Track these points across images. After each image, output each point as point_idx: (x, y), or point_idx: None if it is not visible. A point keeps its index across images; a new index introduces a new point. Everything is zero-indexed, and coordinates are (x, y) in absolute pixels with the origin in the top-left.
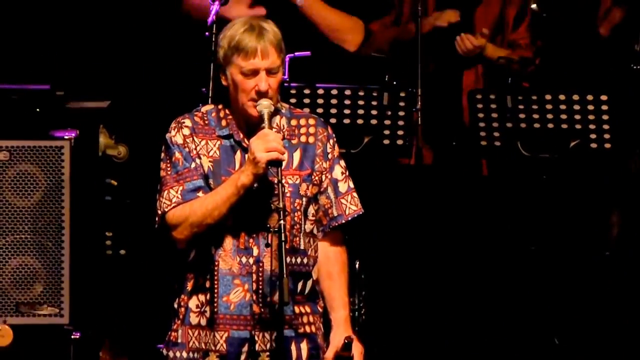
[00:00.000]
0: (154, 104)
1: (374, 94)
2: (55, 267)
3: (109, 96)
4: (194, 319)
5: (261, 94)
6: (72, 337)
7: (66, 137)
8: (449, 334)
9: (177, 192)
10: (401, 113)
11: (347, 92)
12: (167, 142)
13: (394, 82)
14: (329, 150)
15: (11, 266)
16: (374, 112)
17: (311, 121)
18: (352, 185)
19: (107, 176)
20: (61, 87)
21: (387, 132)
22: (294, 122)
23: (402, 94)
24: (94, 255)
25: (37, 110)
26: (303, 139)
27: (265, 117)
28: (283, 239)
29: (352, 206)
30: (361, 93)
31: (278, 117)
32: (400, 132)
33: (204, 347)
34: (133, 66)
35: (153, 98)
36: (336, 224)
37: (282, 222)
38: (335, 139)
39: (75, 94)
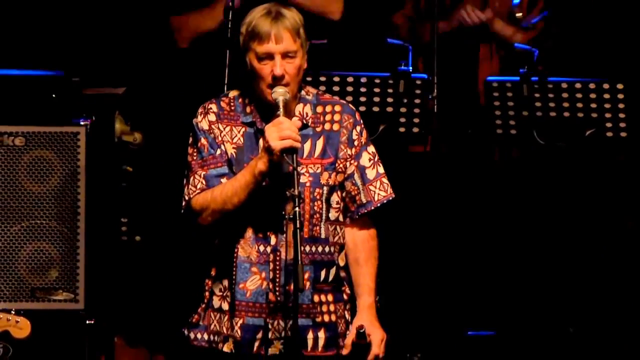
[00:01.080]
0: (168, 91)
1: (390, 82)
2: (71, 252)
3: (125, 83)
4: (216, 302)
5: (277, 79)
6: (87, 322)
7: (82, 124)
8: (462, 321)
9: (201, 178)
10: (417, 101)
11: (363, 80)
12: (193, 128)
13: (410, 70)
14: (354, 137)
15: (27, 252)
16: (389, 99)
17: (337, 107)
18: (381, 171)
19: (123, 162)
20: (77, 74)
21: (402, 119)
22: (319, 109)
23: (418, 82)
24: (109, 241)
25: (53, 96)
26: (327, 126)
27: (280, 104)
28: (298, 226)
29: (381, 192)
30: (377, 81)
31: (302, 104)
32: (415, 120)
33: (224, 331)
34: (148, 53)
35: (168, 85)
36: (365, 211)
37: (297, 209)
38: (362, 126)
39: (91, 81)
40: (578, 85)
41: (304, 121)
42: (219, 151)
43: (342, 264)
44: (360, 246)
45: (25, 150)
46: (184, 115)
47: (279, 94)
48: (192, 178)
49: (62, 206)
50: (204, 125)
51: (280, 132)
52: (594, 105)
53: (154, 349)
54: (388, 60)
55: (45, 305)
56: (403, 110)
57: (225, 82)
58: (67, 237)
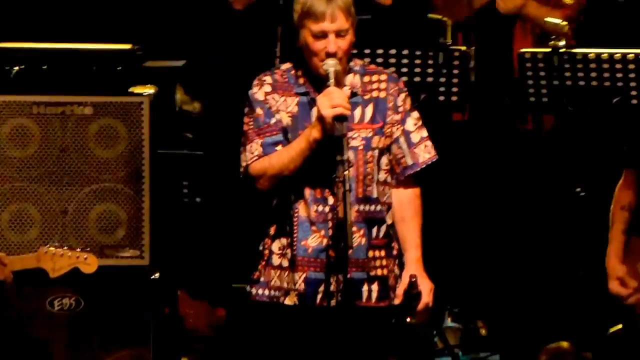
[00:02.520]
0: (226, 63)
1: (430, 54)
2: (136, 213)
3: (185, 56)
4: (276, 260)
5: (330, 56)
6: (152, 277)
7: (145, 94)
8: (489, 283)
9: (258, 146)
10: (455, 71)
11: (405, 52)
12: (249, 98)
13: (449, 43)
14: (399, 103)
15: (96, 212)
16: (429, 70)
17: (383, 77)
18: (425, 135)
19: (183, 130)
20: (141, 47)
21: (442, 89)
22: (366, 79)
23: (456, 54)
24: (171, 203)
25: (119, 68)
26: (375, 94)
27: (331, 75)
28: (347, 188)
29: (425, 154)
30: (418, 53)
31: (351, 75)
32: (454, 89)
33: (285, 286)
34: (207, 28)
35: (225, 58)
36: (411, 172)
37: (345, 173)
38: (407, 92)
39: (153, 54)
40: (605, 56)
41: (353, 90)
42: (274, 120)
43: (389, 222)
44: (407, 205)
45: (93, 119)
46: (239, 85)
47: (330, 65)
48: (249, 145)
49: (127, 170)
50: (260, 96)
51: (331, 101)
52: (619, 75)
53: (214, 303)
54: (429, 34)
55: (113, 261)
56: (442, 80)
57: (278, 55)
58: (132, 199)
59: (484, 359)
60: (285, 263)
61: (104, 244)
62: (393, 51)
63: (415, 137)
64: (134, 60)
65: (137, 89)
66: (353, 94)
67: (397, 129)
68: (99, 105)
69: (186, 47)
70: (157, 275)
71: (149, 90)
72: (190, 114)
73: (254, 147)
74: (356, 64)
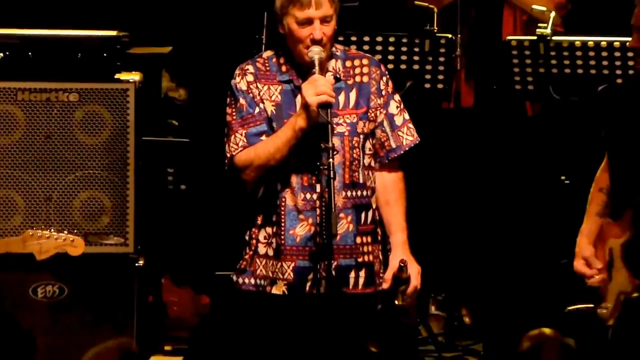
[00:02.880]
0: (212, 50)
1: (416, 41)
2: (121, 200)
3: (171, 42)
4: (262, 249)
5: (315, 42)
6: (136, 265)
7: (131, 80)
8: (473, 272)
9: (242, 136)
10: (441, 59)
11: (391, 39)
12: (232, 88)
13: (435, 30)
14: (382, 87)
15: (80, 199)
16: (415, 57)
17: (365, 61)
18: (407, 117)
19: (169, 117)
20: (126, 34)
21: (428, 76)
22: (348, 64)
23: (443, 41)
24: (156, 190)
25: (105, 55)
26: (358, 78)
27: (316, 62)
28: (332, 175)
29: (408, 137)
30: (404, 40)
31: (333, 60)
32: (440, 77)
33: (271, 275)
34: (193, 14)
35: (211, 44)
36: (395, 155)
37: (330, 160)
38: (388, 76)
39: (139, 40)
40: (591, 44)
41: (336, 75)
42: (257, 110)
43: (374, 206)
44: (390, 188)
45: (78, 106)
46: (225, 73)
47: (315, 52)
48: (232, 137)
49: (112, 157)
50: (242, 85)
51: (315, 89)
52: (605, 63)
53: (198, 290)
54: (415, 21)
55: (97, 249)
56: (428, 67)
57: (264, 42)
58: (117, 186)
59: (468, 347)
60: (271, 252)
61: (88, 231)
62: (380, 38)
63: (398, 120)
64: (119, 47)
65: (123, 76)
66: (336, 79)
67: (381, 112)
68: (84, 92)
69: (172, 33)
70: (141, 262)
71: (134, 77)
72: (176, 101)
73: (238, 138)
74: (337, 49)
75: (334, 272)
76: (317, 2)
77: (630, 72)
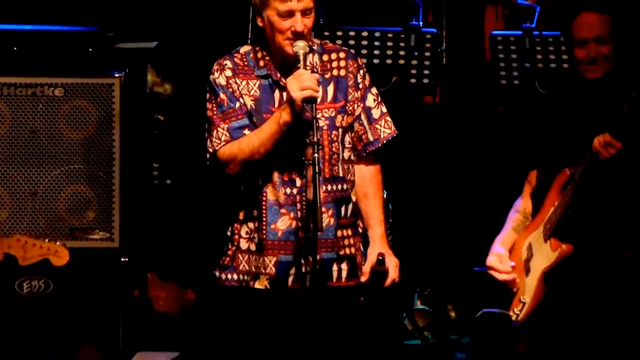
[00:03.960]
0: (197, 45)
1: (402, 36)
2: (107, 195)
3: (156, 37)
4: (244, 244)
5: (297, 34)
6: (122, 260)
7: (116, 75)
8: (470, 257)
9: (225, 131)
10: (427, 54)
11: (377, 34)
12: (211, 84)
13: (421, 25)
14: (359, 80)
15: (66, 194)
16: (401, 52)
17: (341, 54)
18: (384, 110)
19: (154, 111)
20: (112, 29)
21: (413, 71)
22: (325, 57)
23: (428, 36)
24: (142, 185)
25: (90, 50)
26: (335, 72)
27: (301, 57)
28: (317, 170)
29: (386, 129)
30: (390, 35)
31: (310, 55)
32: (426, 72)
33: (253, 270)
34: (178, 9)
35: (196, 39)
36: (373, 148)
37: (316, 154)
38: (365, 69)
39: (124, 35)
40: None
41: (314, 69)
42: (238, 104)
43: (354, 199)
44: (368, 181)
45: (64, 101)
46: (210, 67)
47: (300, 47)
48: (214, 131)
49: (98, 152)
50: (222, 80)
51: (300, 83)
52: None
53: (184, 284)
54: (400, 15)
55: (82, 243)
56: (414, 62)
57: (249, 36)
58: (103, 181)
59: (453, 342)
60: (253, 247)
61: (73, 226)
62: (365, 33)
63: (376, 113)
64: (105, 42)
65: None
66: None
67: (358, 106)
68: (70, 87)
69: (157, 28)
70: (126, 257)
71: (119, 72)
72: (161, 96)
73: (221, 133)
74: (314, 43)
75: (317, 266)
76: None
77: None
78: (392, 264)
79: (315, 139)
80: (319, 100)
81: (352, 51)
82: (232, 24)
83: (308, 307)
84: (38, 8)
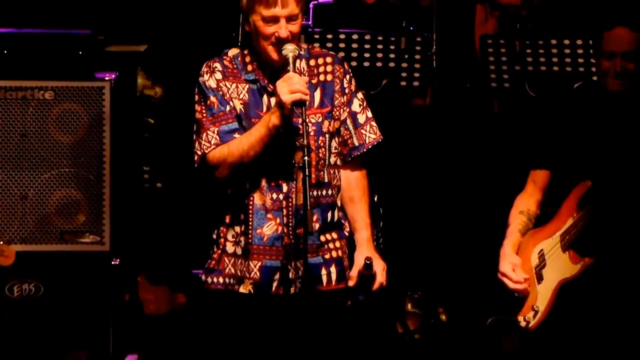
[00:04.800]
0: (187, 48)
1: (392, 39)
2: (97, 198)
3: (146, 40)
4: (230, 248)
5: (281, 41)
6: (112, 263)
7: (106, 79)
8: (462, 263)
9: (215, 134)
10: (417, 56)
11: (367, 37)
12: (200, 86)
13: (410, 28)
14: (345, 85)
15: (56, 197)
16: (391, 55)
17: (328, 59)
18: (370, 115)
19: (145, 114)
20: (102, 32)
21: (404, 74)
22: (312, 62)
23: (418, 39)
24: (132, 188)
25: (80, 53)
26: (322, 77)
27: (291, 60)
28: (307, 174)
29: (371, 135)
30: (380, 38)
31: (297, 60)
32: (416, 75)
33: (239, 274)
34: (168, 12)
35: (186, 42)
36: (358, 153)
37: (306, 158)
38: (351, 74)
39: (115, 38)
40: (566, 42)
41: (302, 74)
42: (228, 107)
43: (339, 203)
44: (354, 185)
45: (54, 104)
46: (200, 70)
47: (290, 50)
48: (204, 134)
49: (88, 155)
50: (212, 83)
51: (290, 87)
52: (580, 60)
53: (174, 287)
54: (391, 19)
55: (73, 247)
56: (404, 65)
57: (240, 39)
58: (93, 184)
59: (444, 345)
60: (239, 251)
61: (64, 229)
62: (355, 36)
63: (361, 118)
64: (95, 45)
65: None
66: None
67: (344, 110)
68: (60, 90)
69: (147, 31)
70: (117, 261)
71: (110, 75)
72: (152, 99)
73: (211, 136)
74: (301, 48)
75: (302, 272)
76: (283, 1)
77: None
78: (380, 268)
79: (306, 142)
80: (307, 104)
81: (339, 56)
82: (223, 28)
83: (292, 313)
84: (28, 11)
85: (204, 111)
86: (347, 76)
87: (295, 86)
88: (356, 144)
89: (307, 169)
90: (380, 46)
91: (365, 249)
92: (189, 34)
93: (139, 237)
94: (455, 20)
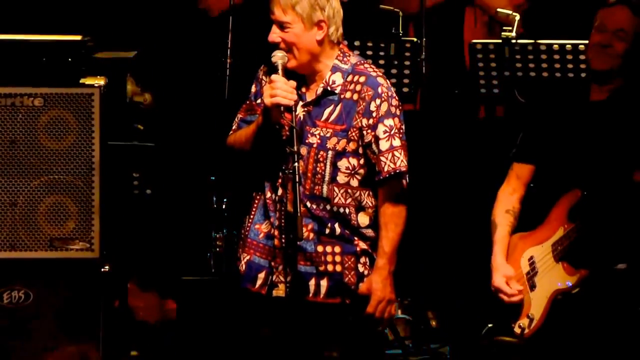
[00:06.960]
0: (177, 54)
1: (382, 45)
2: (86, 205)
3: (136, 47)
4: (243, 234)
5: (274, 46)
6: (102, 270)
7: (96, 85)
8: (453, 268)
9: (237, 120)
10: (407, 62)
11: (357, 43)
12: (256, 74)
13: (400, 34)
14: (373, 108)
15: (45, 204)
16: (381, 61)
17: (362, 79)
18: (396, 144)
19: (134, 121)
20: (91, 39)
21: (393, 80)
22: (349, 78)
23: (408, 45)
24: (122, 194)
25: (69, 60)
26: (348, 95)
27: (280, 67)
28: (297, 180)
29: (390, 164)
30: (369, 44)
31: (331, 72)
32: (406, 80)
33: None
34: (158, 19)
35: (176, 48)
36: (377, 179)
37: (295, 164)
38: (383, 99)
39: (104, 45)
40: (556, 47)
41: (329, 88)
42: (259, 100)
43: (362, 223)
44: (382, 211)
45: (43, 110)
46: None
47: (278, 57)
48: (235, 118)
49: (77, 162)
50: (260, 74)
51: (271, 90)
52: (570, 66)
53: (164, 294)
54: (380, 25)
55: (62, 254)
56: (394, 71)
57: (229, 46)
58: (82, 191)
59: (435, 351)
60: (241, 241)
61: (53, 236)
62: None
63: (383, 145)
64: (84, 51)
65: (88, 80)
66: (326, 92)
67: (369, 133)
68: (49, 97)
69: (136, 37)
70: (107, 267)
71: (99, 81)
72: (141, 106)
73: (235, 121)
74: (347, 62)
75: (289, 277)
76: (272, 7)
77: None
78: (374, 298)
79: (295, 148)
80: (323, 117)
81: (380, 79)
82: (212, 34)
83: (273, 314)
84: (17, 18)
85: (248, 98)
86: (377, 100)
87: (276, 91)
88: (377, 169)
89: (296, 175)
90: (369, 52)
91: (376, 275)
92: (178, 41)
93: (128, 244)
94: (444, 25)
